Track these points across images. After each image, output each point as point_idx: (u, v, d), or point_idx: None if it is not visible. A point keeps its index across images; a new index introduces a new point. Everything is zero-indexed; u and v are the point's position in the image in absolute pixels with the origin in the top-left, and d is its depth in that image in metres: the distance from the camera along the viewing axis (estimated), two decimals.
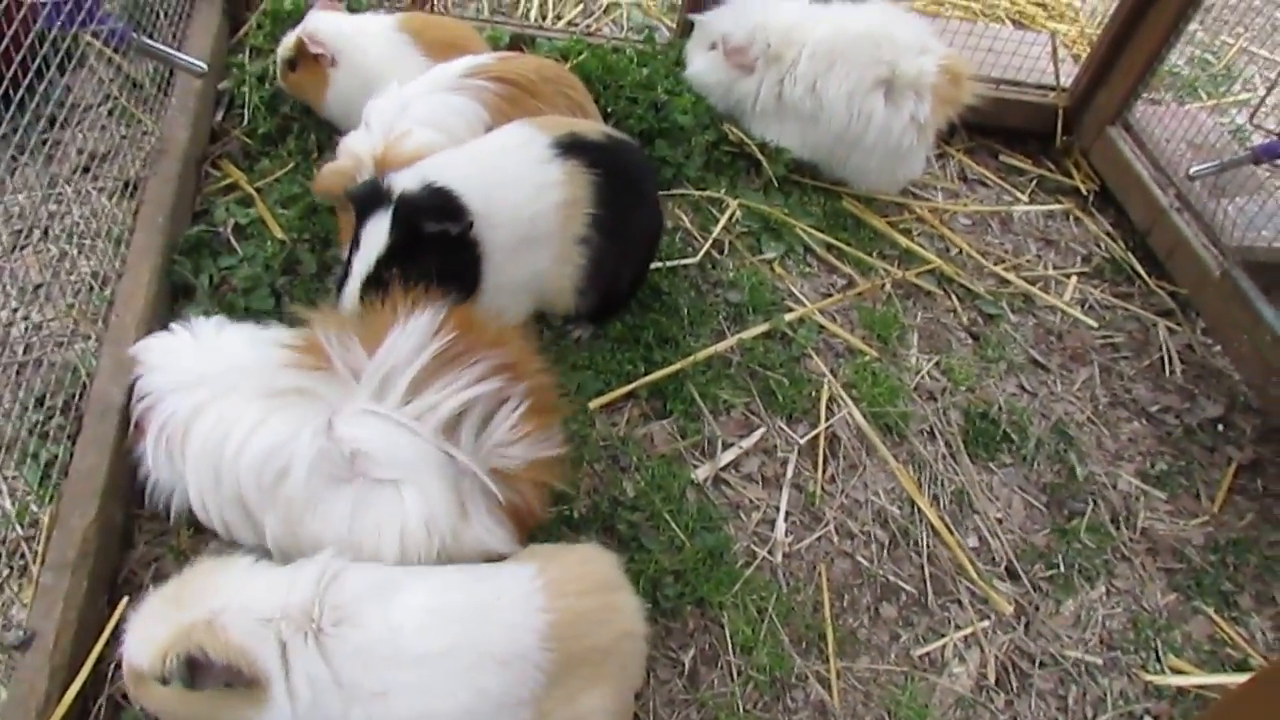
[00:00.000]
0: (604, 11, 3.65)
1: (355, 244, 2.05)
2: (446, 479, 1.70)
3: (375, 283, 1.99)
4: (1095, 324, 3.00)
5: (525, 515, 1.82)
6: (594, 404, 2.36)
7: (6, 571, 1.86)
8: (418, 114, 2.36)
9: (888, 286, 2.91)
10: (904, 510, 2.40)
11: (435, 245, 1.98)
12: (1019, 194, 3.39)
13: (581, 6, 3.64)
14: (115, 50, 2.54)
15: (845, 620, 2.18)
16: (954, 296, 2.95)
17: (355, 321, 1.81)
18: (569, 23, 3.54)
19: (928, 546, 2.35)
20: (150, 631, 1.52)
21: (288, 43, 2.63)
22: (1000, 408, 2.64)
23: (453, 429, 1.71)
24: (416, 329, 1.71)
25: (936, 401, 2.65)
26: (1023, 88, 3.55)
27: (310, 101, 2.73)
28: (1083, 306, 3.06)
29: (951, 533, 2.38)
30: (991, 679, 2.16)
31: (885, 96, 2.92)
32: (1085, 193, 3.45)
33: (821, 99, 2.95)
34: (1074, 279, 3.12)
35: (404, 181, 2.02)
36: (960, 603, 2.27)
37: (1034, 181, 3.46)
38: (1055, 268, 3.16)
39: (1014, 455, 2.57)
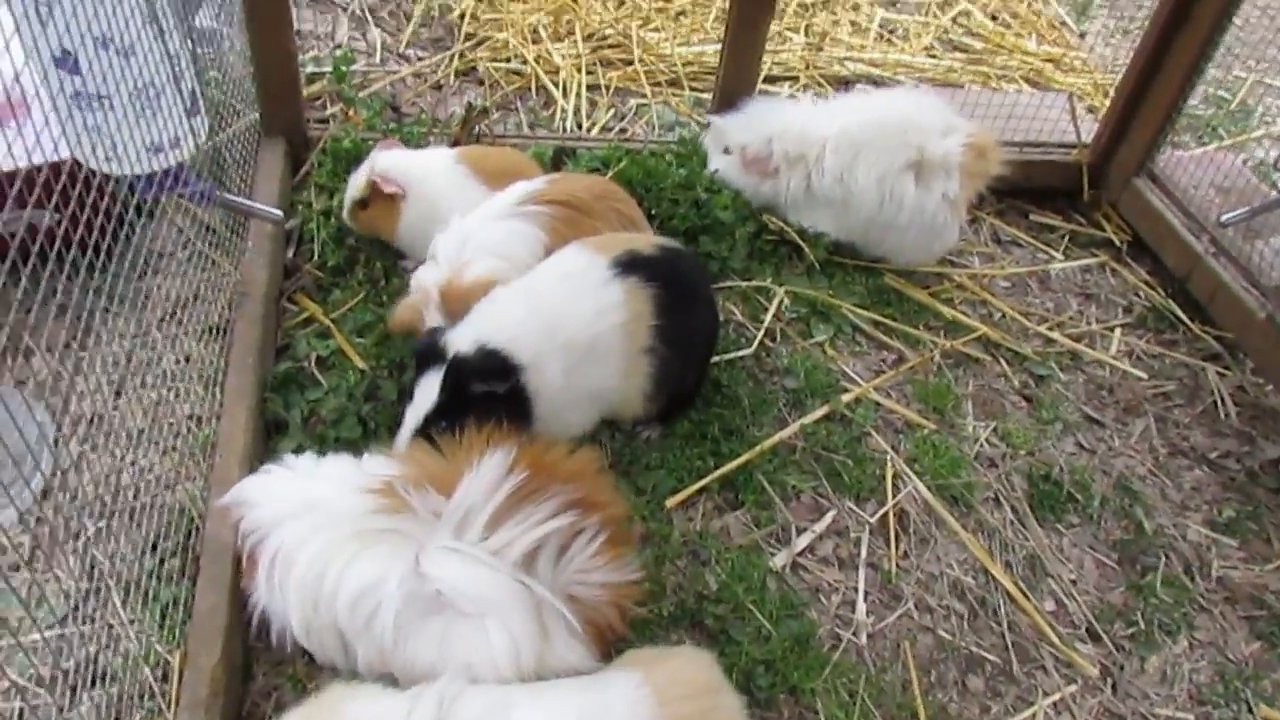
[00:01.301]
0: (635, 114, 3.83)
1: (410, 394, 2.24)
2: (527, 609, 1.79)
3: (425, 434, 2.17)
4: (1145, 375, 3.07)
5: (606, 632, 1.91)
6: (670, 502, 2.46)
7: (141, 714, 1.97)
8: (480, 243, 2.52)
9: (937, 358, 3.01)
10: (979, 580, 2.46)
11: (482, 401, 2.15)
12: (1053, 251, 3.48)
13: (613, 111, 3.83)
14: (201, 207, 2.73)
15: (935, 696, 2.24)
16: (1002, 361, 3.04)
17: (431, 462, 1.92)
18: (602, 128, 3.72)
19: (1006, 614, 2.40)
20: None
21: (358, 183, 2.80)
22: (1061, 468, 2.71)
23: (531, 561, 1.81)
24: (489, 470, 1.82)
25: (998, 468, 2.72)
26: (1045, 148, 3.67)
27: (381, 235, 2.90)
28: (1130, 358, 3.13)
29: (1028, 598, 2.43)
30: None
31: (915, 178, 3.04)
32: (1118, 244, 3.54)
33: (850, 187, 3.08)
34: (1118, 331, 3.20)
35: (459, 341, 2.21)
36: (1045, 668, 2.32)
37: (1066, 237, 3.56)
38: (1098, 321, 3.24)
39: (1080, 515, 2.63)
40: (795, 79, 4.16)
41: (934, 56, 4.45)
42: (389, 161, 2.78)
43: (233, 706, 2.00)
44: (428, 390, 2.20)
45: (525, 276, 2.38)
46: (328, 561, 1.85)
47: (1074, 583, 2.49)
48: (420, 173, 2.78)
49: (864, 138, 3.07)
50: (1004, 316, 3.20)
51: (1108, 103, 3.67)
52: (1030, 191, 3.64)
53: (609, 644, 1.93)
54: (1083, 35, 4.83)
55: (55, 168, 1.97)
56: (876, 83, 4.18)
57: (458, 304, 2.40)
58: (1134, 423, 2.93)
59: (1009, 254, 3.49)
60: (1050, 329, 3.16)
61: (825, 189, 3.12)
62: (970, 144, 3.06)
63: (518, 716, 1.66)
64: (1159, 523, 2.65)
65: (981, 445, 2.77)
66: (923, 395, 2.87)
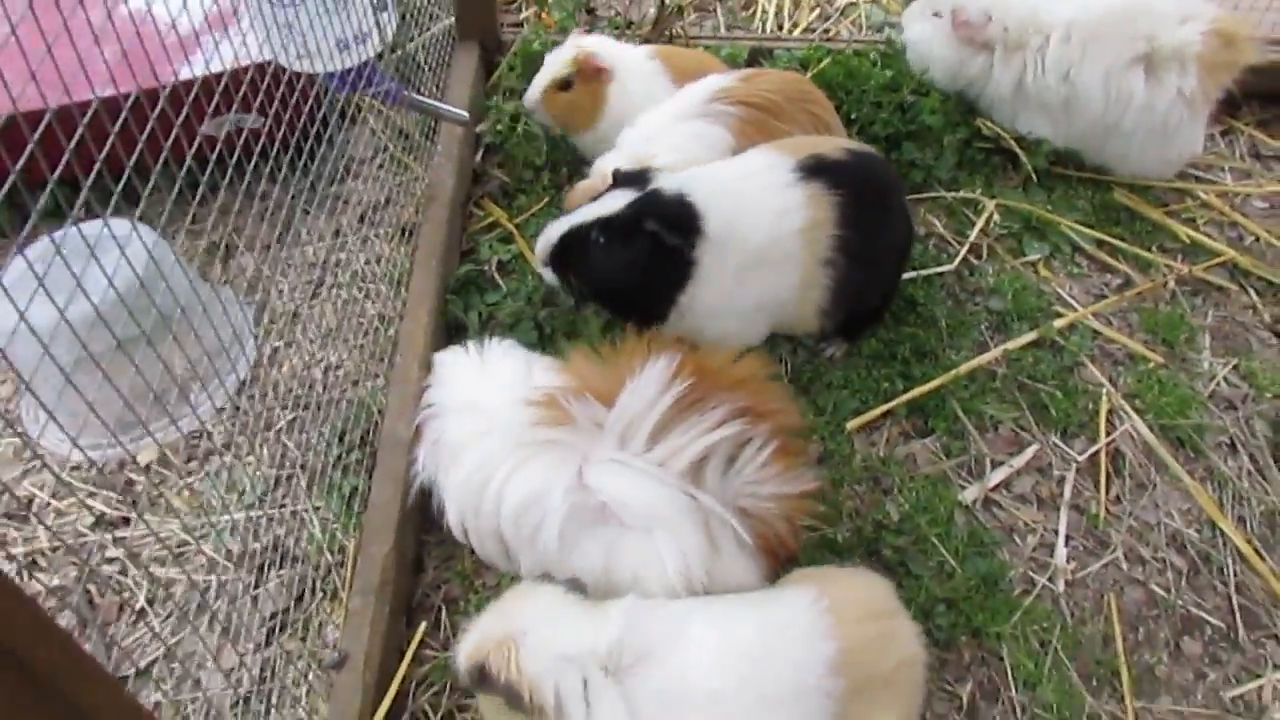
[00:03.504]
0: (841, 14, 3.56)
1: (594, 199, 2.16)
2: (696, 522, 1.72)
3: (574, 237, 2.10)
4: None
5: (777, 547, 1.81)
6: (851, 424, 2.30)
7: (321, 594, 2.06)
8: (666, 141, 2.40)
9: (1171, 283, 2.65)
10: (1204, 534, 2.18)
11: (648, 243, 2.04)
12: None
13: (818, 10, 3.58)
14: (388, 107, 2.76)
15: (1141, 656, 2.00)
16: (1251, 291, 2.65)
17: (592, 370, 1.86)
18: (806, 29, 3.48)
19: (1235, 574, 2.12)
20: (473, 634, 1.64)
21: (561, 60, 2.66)
22: None
23: (698, 472, 1.73)
24: (651, 379, 1.74)
25: (1237, 410, 2.38)
26: None
27: (577, 123, 2.75)
28: None
29: (1263, 559, 2.13)
30: None
31: (1145, 73, 2.65)
32: None
33: (1076, 86, 2.72)
34: None
35: (666, 182, 2.10)
36: (1278, 638, 2.03)
37: None
38: None
39: None
40: None
41: None
42: (595, 43, 2.67)
43: (402, 596, 2.05)
44: (612, 200, 2.10)
45: (710, 167, 2.25)
46: (490, 471, 1.84)
47: None
48: (623, 62, 2.66)
49: (1090, 29, 2.69)
50: (1257, 240, 2.78)
51: None
52: None
53: (780, 561, 1.83)
54: None
55: (260, 69, 2.01)
56: None
57: None
58: None
59: (1270, 170, 3.02)
60: None
61: (1043, 88, 2.77)
62: (1213, 30, 2.62)
63: (695, 633, 1.61)
64: None
65: (1218, 384, 2.43)
66: (1150, 325, 2.55)
